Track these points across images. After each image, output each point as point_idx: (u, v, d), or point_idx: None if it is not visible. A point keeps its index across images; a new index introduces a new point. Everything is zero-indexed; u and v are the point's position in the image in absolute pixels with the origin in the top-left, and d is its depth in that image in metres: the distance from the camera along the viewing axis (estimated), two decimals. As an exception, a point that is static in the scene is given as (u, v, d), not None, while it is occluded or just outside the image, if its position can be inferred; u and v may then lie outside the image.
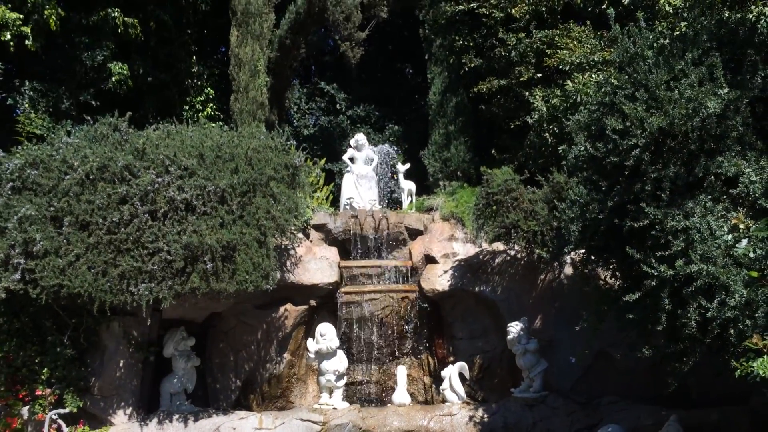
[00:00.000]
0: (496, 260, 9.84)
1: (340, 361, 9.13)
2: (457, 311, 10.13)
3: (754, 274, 5.54)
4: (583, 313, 7.60)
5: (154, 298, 7.80)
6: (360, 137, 12.43)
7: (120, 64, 13.08)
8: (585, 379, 9.17)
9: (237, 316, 9.51)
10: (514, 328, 9.00)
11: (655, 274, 6.18)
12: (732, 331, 5.85)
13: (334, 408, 8.82)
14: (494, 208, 9.39)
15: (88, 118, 11.14)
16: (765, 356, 4.98)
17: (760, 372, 4.91)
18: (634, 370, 8.62)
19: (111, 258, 7.78)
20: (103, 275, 7.72)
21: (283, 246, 9.43)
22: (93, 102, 13.02)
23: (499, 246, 9.74)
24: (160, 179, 8.07)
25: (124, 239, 7.83)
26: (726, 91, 6.43)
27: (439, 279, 9.94)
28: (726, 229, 6.02)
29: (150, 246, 7.84)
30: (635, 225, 6.47)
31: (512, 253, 9.74)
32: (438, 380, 9.80)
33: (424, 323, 10.24)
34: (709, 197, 6.33)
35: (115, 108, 9.41)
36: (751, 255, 5.66)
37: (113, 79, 12.95)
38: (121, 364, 8.54)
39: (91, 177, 8.11)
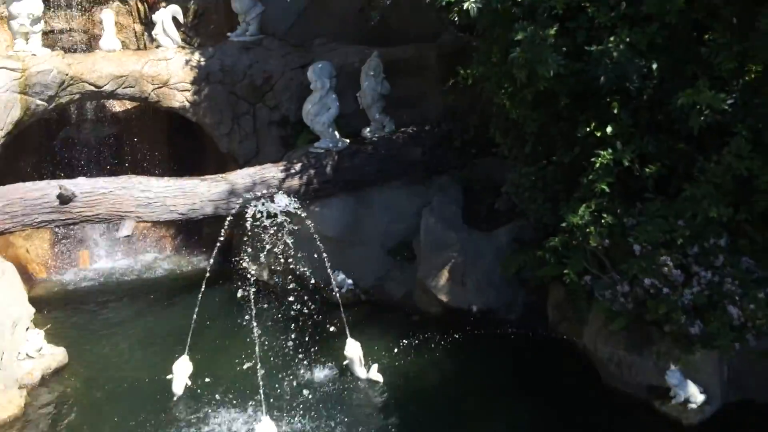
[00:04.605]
0: None
1: (34, 3, 8.12)
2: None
3: None
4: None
5: None
6: None
7: None
8: (299, 23, 9.44)
9: None
10: (229, -31, 8.67)
11: None
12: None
13: (33, 54, 8.09)
14: None
15: None
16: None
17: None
18: (345, 14, 9.07)
19: None
20: None
21: None
22: None
23: None
24: None
25: None
26: None
27: None
28: None
29: None
30: None
31: None
32: (150, 28, 9.33)
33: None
34: None
35: None
36: None
37: None
38: None
39: None
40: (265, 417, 5.10)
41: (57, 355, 6.65)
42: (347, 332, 6.48)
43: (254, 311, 5.88)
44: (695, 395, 5.39)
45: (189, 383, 6.11)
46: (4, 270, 7.10)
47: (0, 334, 6.23)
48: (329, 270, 6.97)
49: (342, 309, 6.65)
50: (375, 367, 6.36)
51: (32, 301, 7.30)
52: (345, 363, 6.44)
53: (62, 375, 6.57)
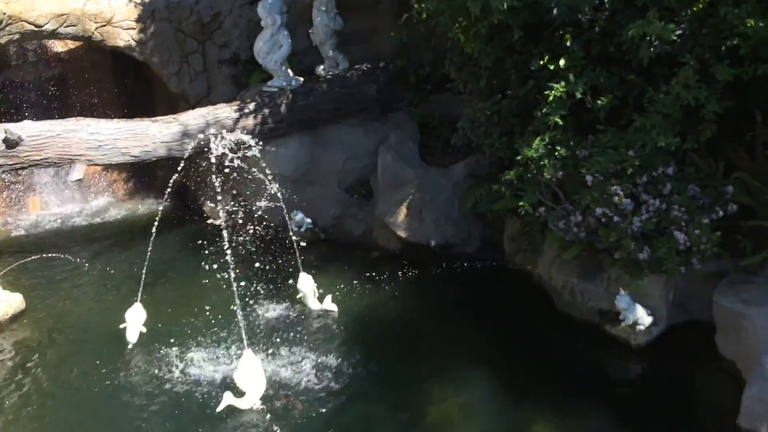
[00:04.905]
0: None
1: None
2: None
3: None
4: None
5: None
6: None
7: None
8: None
9: None
10: None
11: None
12: None
13: (-34, -9, 7.66)
14: None
15: None
16: None
17: None
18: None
19: None
20: None
21: None
22: None
23: None
24: None
25: None
26: None
27: None
28: None
29: None
30: None
31: None
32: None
33: None
34: None
35: None
36: None
37: None
38: None
39: None
40: (247, 350, 5.13)
41: (13, 302, 6.55)
42: (300, 268, 6.52)
43: (229, 250, 5.76)
44: (643, 318, 5.64)
45: (144, 330, 6.06)
46: (-49, 218, 6.91)
47: (-48, 283, 6.12)
48: (285, 210, 6.95)
49: (296, 247, 6.65)
50: (329, 297, 6.46)
51: (-18, 249, 7.17)
52: (299, 297, 6.52)
53: (20, 321, 6.49)
